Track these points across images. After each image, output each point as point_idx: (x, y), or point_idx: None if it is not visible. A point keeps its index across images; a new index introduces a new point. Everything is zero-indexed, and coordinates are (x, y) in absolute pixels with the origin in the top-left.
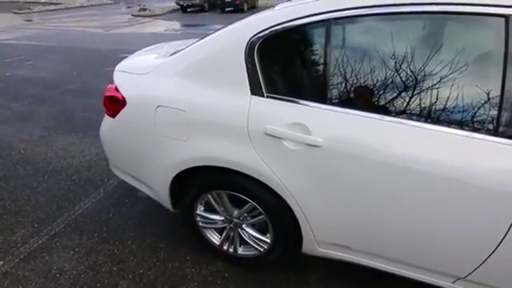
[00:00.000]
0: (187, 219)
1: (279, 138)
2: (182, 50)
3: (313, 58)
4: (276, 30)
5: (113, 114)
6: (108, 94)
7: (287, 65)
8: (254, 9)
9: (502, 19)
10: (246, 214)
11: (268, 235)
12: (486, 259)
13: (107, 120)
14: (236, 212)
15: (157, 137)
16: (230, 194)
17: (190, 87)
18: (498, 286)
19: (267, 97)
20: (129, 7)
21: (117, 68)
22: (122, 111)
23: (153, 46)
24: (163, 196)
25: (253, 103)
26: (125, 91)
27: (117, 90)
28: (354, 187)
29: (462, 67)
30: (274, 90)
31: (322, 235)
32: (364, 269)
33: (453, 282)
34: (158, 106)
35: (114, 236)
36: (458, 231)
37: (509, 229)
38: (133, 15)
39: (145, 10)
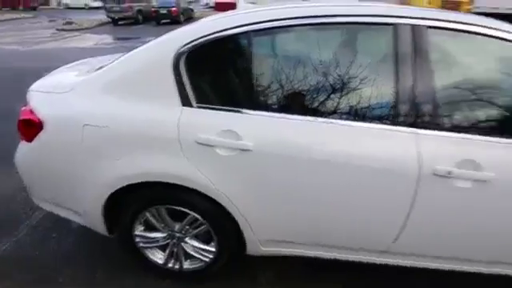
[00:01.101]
0: (126, 242)
1: (212, 146)
2: (108, 64)
3: (238, 67)
4: (202, 42)
5: (29, 139)
6: (22, 117)
7: (214, 75)
8: (190, 20)
9: (391, 27)
10: (188, 227)
11: (212, 244)
12: (401, 232)
13: (23, 146)
14: (177, 226)
15: (85, 157)
16: (170, 209)
17: (116, 103)
18: (419, 253)
19: (198, 107)
20: (52, 21)
21: (31, 88)
22: (41, 134)
23: (77, 62)
24: (96, 221)
25: (183, 114)
26: (43, 112)
27: (32, 112)
28: (287, 185)
29: (368, 70)
30: (204, 100)
31: (264, 234)
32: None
33: (379, 256)
34: (84, 125)
35: (41, 276)
36: (379, 212)
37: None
38: (57, 29)
39: (71, 23)
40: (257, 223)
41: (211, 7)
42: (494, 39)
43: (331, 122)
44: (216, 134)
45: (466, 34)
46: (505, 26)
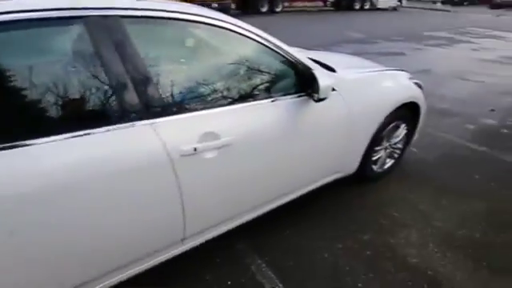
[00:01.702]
0: None
1: None
2: None
3: None
4: None
5: None
6: None
7: None
8: None
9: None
10: None
11: None
12: (185, 217)
13: None
14: None
15: None
16: None
17: None
18: (215, 222)
19: None
20: None
21: None
22: None
23: None
24: None
25: None
26: None
27: None
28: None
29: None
30: None
31: None
32: None
33: (182, 245)
34: None
35: None
36: (156, 211)
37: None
38: None
39: None
40: None
41: None
42: (193, 23)
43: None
44: None
45: (166, 21)
46: (204, 11)
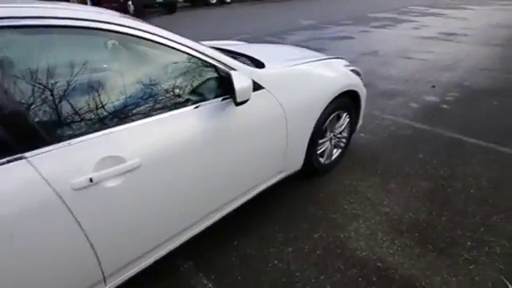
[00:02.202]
0: None
1: None
2: None
3: None
4: None
5: None
6: None
7: None
8: None
9: None
10: None
11: None
12: (97, 253)
13: None
14: None
15: None
16: None
17: None
18: (138, 254)
19: None
20: None
21: None
22: None
23: None
24: None
25: None
26: None
27: None
28: None
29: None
30: None
31: None
32: None
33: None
34: None
35: None
36: (60, 254)
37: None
38: None
39: None
40: None
41: None
42: (94, 31)
43: None
44: None
45: (56, 29)
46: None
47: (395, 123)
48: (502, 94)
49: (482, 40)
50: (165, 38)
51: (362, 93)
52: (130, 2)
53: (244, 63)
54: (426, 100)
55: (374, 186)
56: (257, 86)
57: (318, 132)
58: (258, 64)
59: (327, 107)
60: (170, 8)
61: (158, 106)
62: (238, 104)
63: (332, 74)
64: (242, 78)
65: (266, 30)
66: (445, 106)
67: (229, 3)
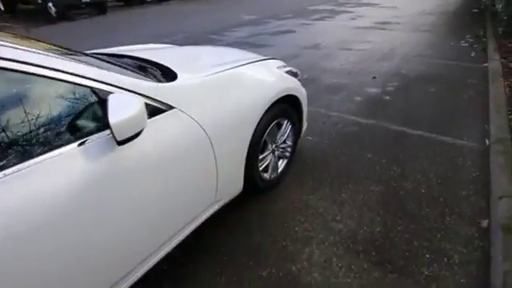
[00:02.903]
0: None
1: None
2: None
3: None
4: None
5: None
6: None
7: None
8: None
9: None
10: None
11: None
12: None
13: None
14: None
15: None
16: None
17: None
18: None
19: None
20: None
21: None
22: None
23: None
24: None
25: None
26: None
27: None
28: None
29: None
30: None
31: None
32: None
33: None
34: None
35: None
36: None
37: None
38: None
39: None
40: None
41: None
42: None
43: None
44: None
45: None
46: None
47: (341, 120)
48: (436, 80)
49: (412, 27)
50: (30, 65)
51: (302, 96)
52: (50, 4)
53: (145, 76)
54: (369, 92)
55: (325, 197)
56: (161, 107)
57: (256, 147)
58: (169, 74)
59: (263, 117)
60: (99, 8)
61: (24, 150)
62: (119, 143)
63: (266, 79)
64: (125, 103)
65: (205, 28)
66: (387, 98)
67: (167, 0)
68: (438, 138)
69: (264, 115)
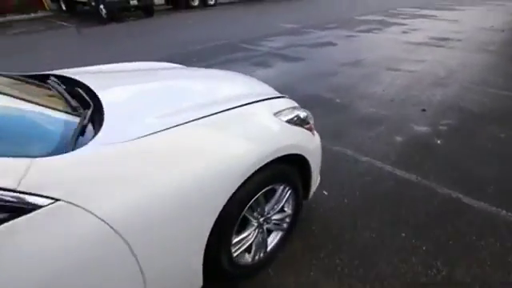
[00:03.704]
0: None
1: None
2: None
3: None
4: None
5: None
6: None
7: None
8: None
9: None
10: None
11: None
12: None
13: None
14: None
15: None
16: None
17: None
18: None
19: None
20: None
21: None
22: None
23: None
24: None
25: None
26: None
27: None
28: None
29: None
30: None
31: None
32: None
33: None
34: None
35: None
36: None
37: None
38: None
39: None
40: None
41: None
42: None
43: None
44: None
45: None
46: None
47: (372, 170)
48: (509, 122)
49: (476, 46)
50: None
51: (311, 152)
52: (101, 6)
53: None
54: (415, 131)
55: None
56: (30, 202)
57: (229, 228)
58: (82, 130)
59: (240, 189)
60: (146, 11)
61: None
62: None
63: (251, 136)
64: None
65: (242, 36)
66: (437, 142)
67: (213, 5)
68: (511, 217)
69: (242, 187)
